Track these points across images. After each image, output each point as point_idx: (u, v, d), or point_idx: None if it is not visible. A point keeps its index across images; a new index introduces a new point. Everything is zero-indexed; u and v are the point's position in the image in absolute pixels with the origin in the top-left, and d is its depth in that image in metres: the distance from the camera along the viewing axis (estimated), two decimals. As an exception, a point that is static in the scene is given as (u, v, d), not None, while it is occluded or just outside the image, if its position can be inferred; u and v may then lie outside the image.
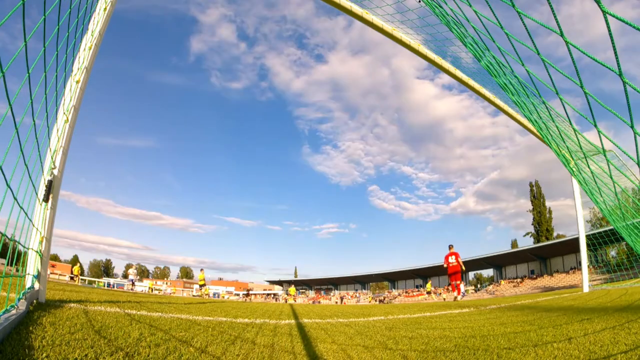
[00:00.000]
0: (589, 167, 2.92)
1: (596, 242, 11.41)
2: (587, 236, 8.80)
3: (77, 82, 2.25)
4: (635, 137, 0.87)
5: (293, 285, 27.51)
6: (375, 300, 39.82)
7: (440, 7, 2.80)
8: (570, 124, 1.80)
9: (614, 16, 0.76)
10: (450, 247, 10.25)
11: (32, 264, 1.90)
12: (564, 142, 3.32)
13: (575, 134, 2.40)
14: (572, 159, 4.19)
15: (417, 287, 48.78)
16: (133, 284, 22.47)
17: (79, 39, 2.25)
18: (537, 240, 42.71)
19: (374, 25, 5.05)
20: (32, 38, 1.21)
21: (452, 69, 5.84)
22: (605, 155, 1.48)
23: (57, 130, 2.11)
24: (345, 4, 4.79)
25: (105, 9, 2.53)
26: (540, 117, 3.19)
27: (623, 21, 0.75)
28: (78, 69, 2.29)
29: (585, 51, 0.95)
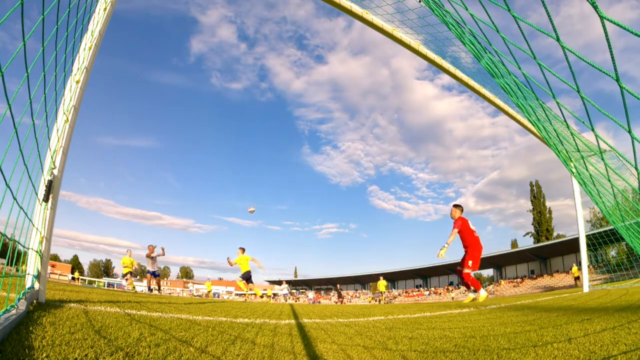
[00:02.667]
0: (586, 169, 2.93)
1: (596, 242, 11.41)
2: (587, 236, 8.79)
3: (77, 82, 2.25)
4: (632, 141, 0.87)
5: (382, 278, 21.14)
6: (376, 300, 39.80)
7: (440, 7, 2.81)
8: (567, 127, 1.80)
9: (611, 21, 0.76)
10: (458, 208, 6.30)
11: (32, 264, 1.90)
12: (562, 144, 3.32)
13: (573, 137, 2.41)
14: (571, 160, 4.20)
15: (417, 287, 48.78)
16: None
17: (79, 39, 2.25)
18: (537, 240, 42.72)
19: (374, 25, 5.06)
20: (32, 38, 1.21)
21: (452, 69, 5.84)
22: (602, 158, 1.48)
23: (57, 130, 2.11)
24: (345, 3, 4.79)
25: (105, 8, 2.53)
26: (539, 119, 3.20)
27: (621, 26, 0.75)
28: (78, 69, 2.28)
29: (583, 56, 0.95)
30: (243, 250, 12.00)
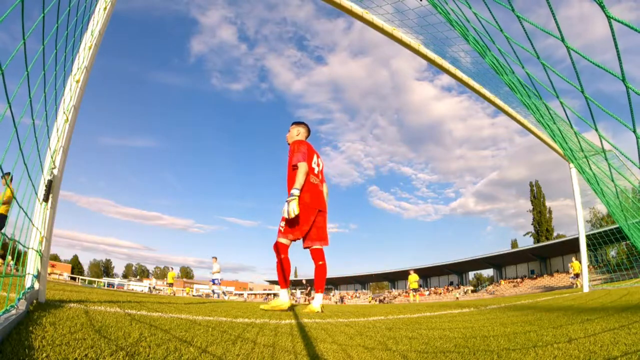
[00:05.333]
0: (590, 168, 2.94)
1: (596, 242, 11.41)
2: (587, 236, 8.79)
3: (77, 81, 2.25)
4: (637, 141, 0.88)
5: (413, 272, 17.60)
6: (375, 300, 39.82)
7: (444, 5, 2.81)
8: (571, 126, 1.80)
9: (619, 21, 0.76)
10: (301, 125, 4.01)
11: (32, 264, 1.90)
12: (567, 142, 3.33)
13: (577, 136, 2.42)
14: (575, 159, 4.20)
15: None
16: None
17: (79, 38, 2.25)
18: (537, 240, 42.74)
19: (374, 25, 5.05)
20: (33, 39, 1.21)
21: (452, 68, 5.84)
22: (606, 158, 1.48)
23: (57, 130, 2.11)
24: (345, 3, 4.78)
25: (105, 8, 2.53)
26: (543, 117, 3.20)
27: (629, 27, 0.75)
28: (78, 68, 2.28)
29: (586, 55, 0.95)
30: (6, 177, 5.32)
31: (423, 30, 4.88)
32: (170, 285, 21.50)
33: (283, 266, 3.55)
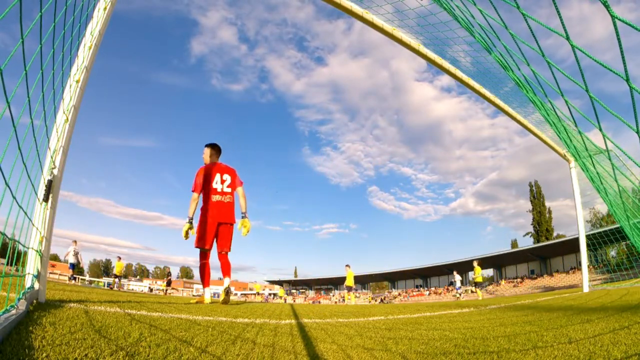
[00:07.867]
0: (594, 167, 2.94)
1: (596, 242, 11.41)
2: (587, 236, 8.79)
3: (77, 81, 2.25)
4: (641, 142, 0.87)
5: (350, 269, 15.09)
6: (376, 300, 39.82)
7: (449, 2, 2.81)
8: (575, 125, 1.80)
9: (623, 21, 0.76)
10: (210, 148, 4.51)
11: (32, 264, 1.90)
12: (571, 140, 3.34)
13: (581, 135, 2.42)
14: (579, 157, 4.19)
15: (417, 287, 48.77)
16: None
17: (79, 38, 2.25)
18: (537, 240, 42.74)
19: (375, 25, 5.05)
20: (34, 39, 1.21)
21: (452, 68, 5.83)
22: (609, 157, 1.48)
23: (57, 130, 2.11)
24: (345, 3, 4.78)
25: (105, 8, 2.53)
26: (548, 114, 3.20)
27: (634, 27, 0.75)
28: (78, 68, 2.28)
29: (584, 57, 0.94)
30: None
31: (423, 30, 4.88)
32: (117, 277, 19.09)
33: (204, 270, 4.26)
